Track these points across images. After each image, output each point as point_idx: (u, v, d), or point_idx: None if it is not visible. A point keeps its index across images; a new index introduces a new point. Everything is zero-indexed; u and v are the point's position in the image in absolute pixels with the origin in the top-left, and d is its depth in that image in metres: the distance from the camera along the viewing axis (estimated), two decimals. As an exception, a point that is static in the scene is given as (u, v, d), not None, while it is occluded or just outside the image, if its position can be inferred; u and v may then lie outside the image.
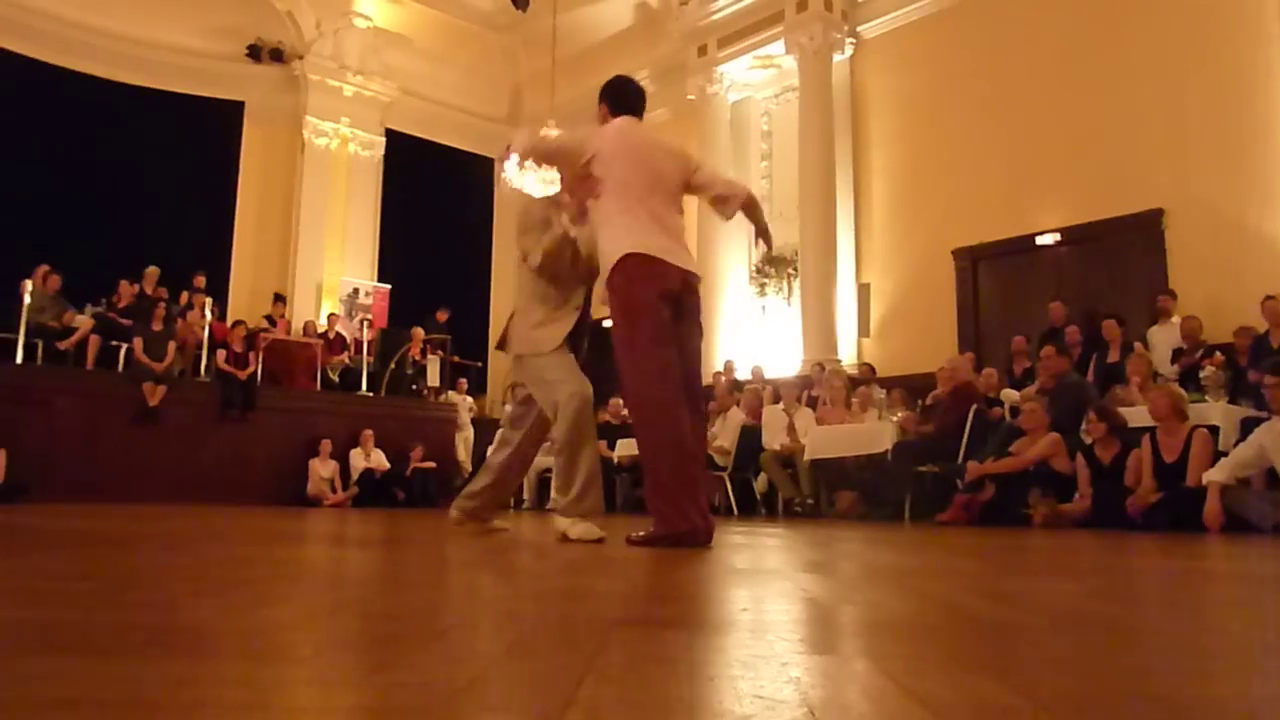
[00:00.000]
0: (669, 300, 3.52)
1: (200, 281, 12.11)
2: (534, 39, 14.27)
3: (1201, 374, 6.90)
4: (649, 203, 3.61)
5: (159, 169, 13.02)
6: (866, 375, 9.94)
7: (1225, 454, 5.65)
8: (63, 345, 10.08)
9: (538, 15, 13.49)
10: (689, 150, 4.21)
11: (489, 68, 16.12)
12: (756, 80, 12.67)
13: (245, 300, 13.49)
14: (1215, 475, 5.35)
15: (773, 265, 12.12)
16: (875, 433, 8.01)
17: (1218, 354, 7.31)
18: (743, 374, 11.13)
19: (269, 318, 12.48)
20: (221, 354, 10.63)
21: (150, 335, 10.14)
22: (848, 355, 11.06)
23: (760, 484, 9.00)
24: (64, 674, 0.96)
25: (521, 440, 4.18)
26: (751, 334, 12.04)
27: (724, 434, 9.08)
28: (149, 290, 11.36)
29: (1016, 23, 10.24)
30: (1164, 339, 8.21)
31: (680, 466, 3.44)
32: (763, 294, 12.23)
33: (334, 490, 10.64)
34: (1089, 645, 1.31)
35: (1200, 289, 8.50)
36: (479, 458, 11.37)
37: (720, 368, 11.51)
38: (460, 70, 15.80)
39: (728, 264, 12.28)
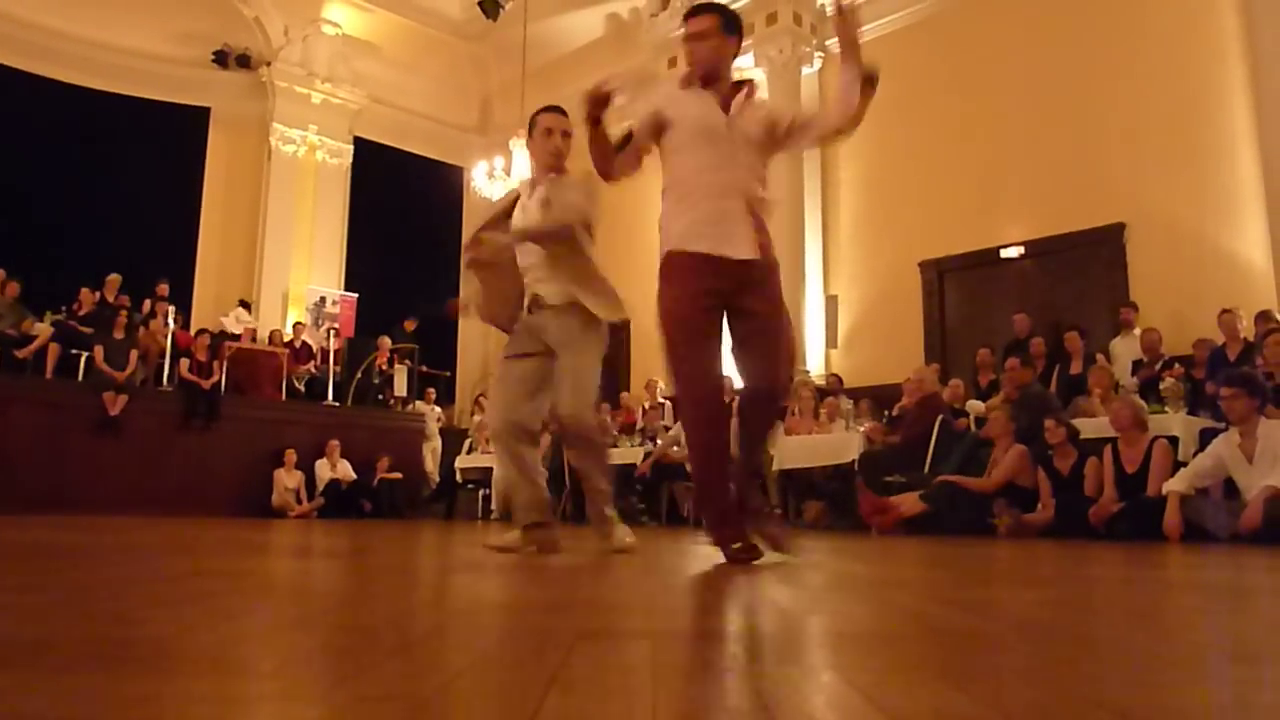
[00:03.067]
0: (718, 297, 3.18)
1: (163, 289, 11.96)
2: (504, 48, 14.25)
3: (1161, 385, 7.01)
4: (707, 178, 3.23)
5: (122, 175, 12.85)
6: (834, 386, 10.00)
7: (1185, 464, 5.74)
8: (21, 354, 9.91)
9: (508, 25, 13.47)
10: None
11: (459, 77, 16.09)
12: (726, 92, 12.74)
13: (210, 308, 13.34)
14: (1175, 485, 5.44)
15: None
16: (842, 443, 8.06)
17: (1177, 366, 7.43)
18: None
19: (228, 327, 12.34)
20: (185, 363, 10.50)
21: (111, 343, 9.99)
22: (816, 366, 11.12)
23: (729, 494, 9.01)
24: (21, 690, 0.94)
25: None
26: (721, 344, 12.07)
27: (693, 444, 9.08)
28: (110, 298, 11.20)
29: (982, 39, 10.39)
30: (1125, 351, 8.34)
31: (710, 478, 3.19)
32: (731, 305, 12.28)
33: (299, 501, 10.53)
34: (1051, 654, 1.32)
35: (1161, 302, 8.65)
36: (447, 468, 11.32)
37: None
38: (430, 79, 15.75)
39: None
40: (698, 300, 3.16)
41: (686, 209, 3.24)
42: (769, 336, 3.23)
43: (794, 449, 8.29)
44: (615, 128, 3.37)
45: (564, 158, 3.97)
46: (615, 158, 3.42)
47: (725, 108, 3.27)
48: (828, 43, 11.73)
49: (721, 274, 3.14)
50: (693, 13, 3.37)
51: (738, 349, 3.27)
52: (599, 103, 3.19)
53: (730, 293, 3.18)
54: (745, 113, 3.28)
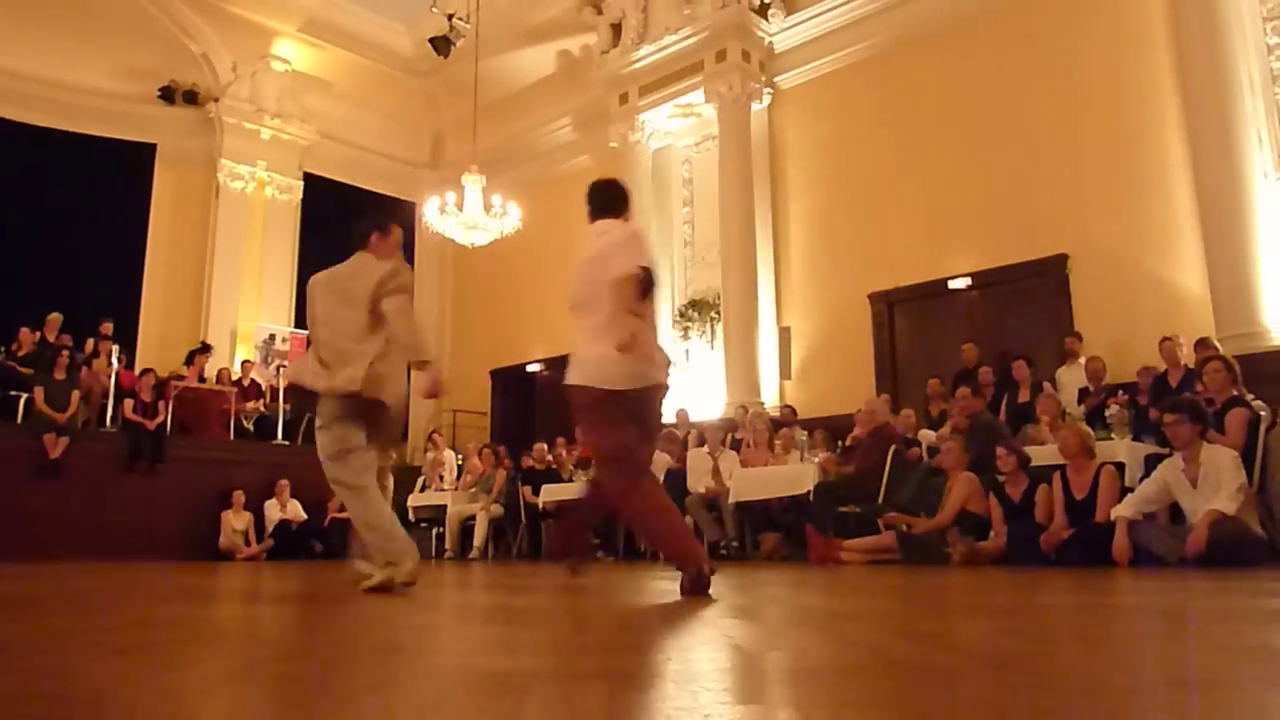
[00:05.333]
0: None
1: (107, 328, 11.70)
2: (456, 85, 14.28)
3: (1107, 413, 7.14)
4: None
5: (65, 212, 12.59)
6: (788, 417, 10.05)
7: (1132, 490, 5.84)
8: (-43, 396, 9.62)
9: (459, 61, 13.50)
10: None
11: (410, 113, 16.07)
12: (677, 128, 12.87)
13: (155, 347, 13.06)
14: (1122, 511, 5.53)
15: (696, 309, 12.24)
16: (798, 474, 8.08)
17: (1121, 393, 7.58)
18: (667, 417, 11.16)
19: (190, 363, 12.07)
20: (129, 403, 10.26)
21: (52, 384, 9.74)
22: (770, 397, 11.18)
23: (685, 527, 8.98)
24: (-55, 754, 0.90)
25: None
26: (676, 377, 12.09)
27: (649, 478, 9.06)
28: (51, 338, 10.92)
29: (926, 76, 10.63)
30: (1071, 379, 8.49)
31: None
32: (686, 338, 12.32)
33: (248, 543, 10.31)
34: (1006, 685, 1.33)
35: (1104, 330, 8.84)
36: (400, 506, 11.16)
37: (644, 411, 11.51)
38: (381, 115, 15.71)
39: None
40: None
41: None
42: None
43: (750, 481, 8.30)
44: None
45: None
46: None
47: None
48: (776, 79, 11.92)
49: None
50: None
51: None
52: None
53: None
54: None
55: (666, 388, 3.91)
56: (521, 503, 9.97)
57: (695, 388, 11.72)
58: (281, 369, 12.20)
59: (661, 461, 9.14)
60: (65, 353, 10.25)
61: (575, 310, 3.86)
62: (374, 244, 4.19)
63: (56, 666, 1.57)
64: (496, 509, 10.08)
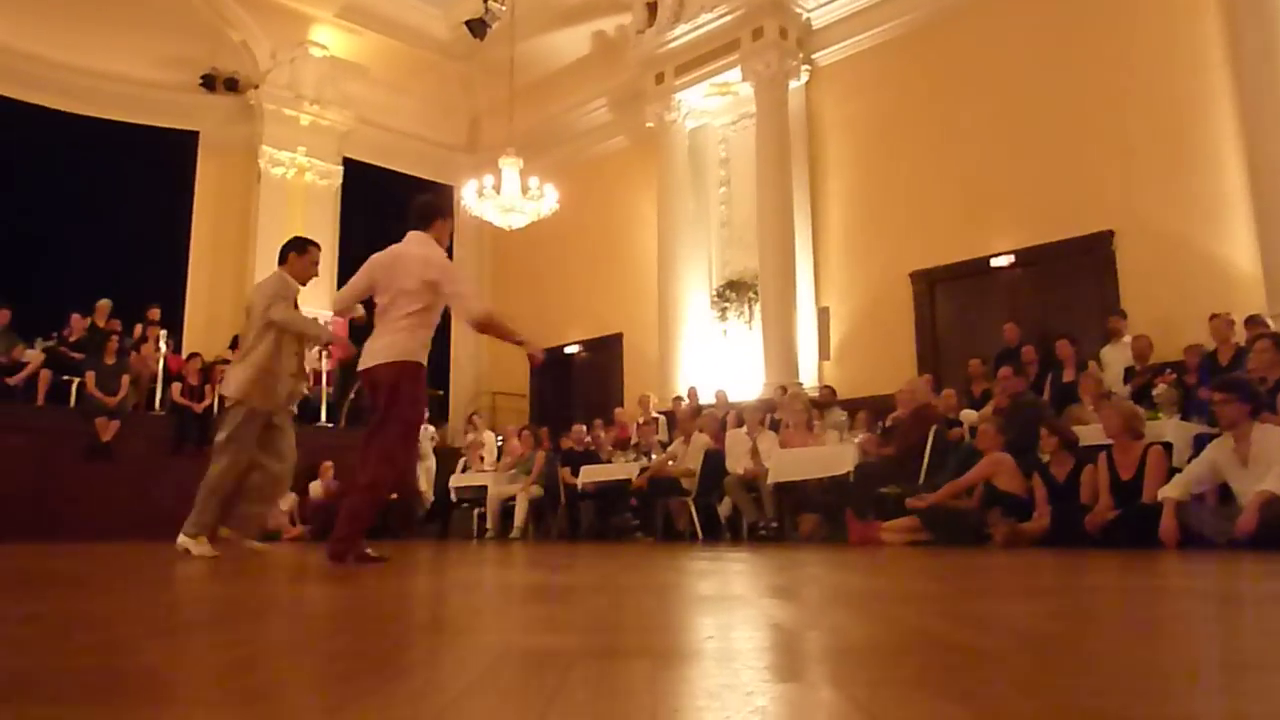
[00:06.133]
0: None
1: (154, 314, 11.92)
2: (492, 67, 14.29)
3: (1154, 392, 7.02)
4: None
5: (111, 200, 12.81)
6: (827, 398, 10.00)
7: (1179, 470, 5.74)
8: (12, 381, 9.86)
9: (495, 44, 13.52)
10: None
11: (447, 96, 16.12)
12: (714, 107, 12.79)
13: (201, 333, 13.29)
14: (1170, 491, 5.43)
15: (733, 290, 12.20)
16: (837, 455, 8.04)
17: (1169, 372, 7.45)
18: (706, 398, 11.16)
19: (234, 347, 12.25)
20: (177, 387, 10.45)
21: (103, 369, 9.94)
22: (809, 378, 11.12)
23: (724, 508, 8.99)
24: (8, 725, 0.93)
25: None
26: (714, 358, 12.08)
27: (688, 458, 9.08)
28: (101, 323, 11.16)
29: (968, 50, 10.46)
30: (1116, 358, 8.36)
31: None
32: (724, 318, 12.29)
33: (293, 524, 10.48)
34: (1050, 667, 1.32)
35: (1150, 308, 8.68)
36: (441, 487, 11.29)
37: (683, 392, 11.52)
38: (418, 99, 15.78)
39: (689, 288, 12.33)
40: None
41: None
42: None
43: (788, 462, 8.27)
44: None
45: None
46: None
47: None
48: (814, 56, 11.79)
49: None
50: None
51: None
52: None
53: None
54: None
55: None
56: (561, 484, 10.03)
57: (734, 368, 11.70)
58: (325, 352, 12.34)
59: (700, 442, 9.15)
60: (115, 337, 10.47)
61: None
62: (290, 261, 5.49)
63: (109, 643, 1.61)
64: (536, 490, 10.15)
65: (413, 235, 4.77)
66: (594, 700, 1.07)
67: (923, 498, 6.86)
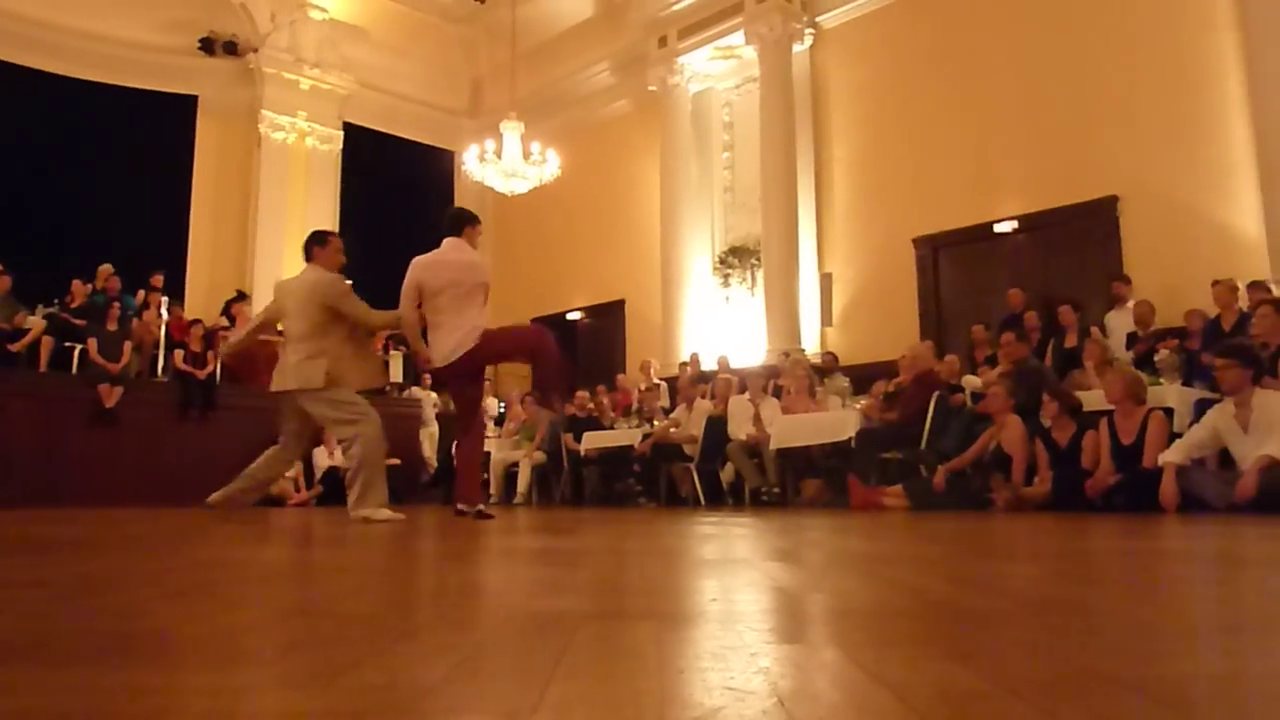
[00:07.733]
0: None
1: (158, 280, 11.90)
2: (493, 31, 14.18)
3: (1156, 357, 7.02)
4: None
5: (111, 165, 12.76)
6: (830, 364, 10.00)
7: (1180, 435, 5.76)
8: (14, 347, 9.87)
9: (497, 7, 13.40)
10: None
11: (448, 60, 15.99)
12: (717, 71, 12.68)
13: (203, 298, 13.29)
14: (1171, 456, 5.45)
15: (736, 255, 12.16)
16: (839, 421, 8.06)
17: (1171, 338, 7.44)
18: (708, 364, 11.17)
19: (227, 314, 12.27)
20: (179, 353, 10.46)
21: (105, 335, 9.95)
22: (811, 344, 11.12)
23: (727, 474, 9.03)
24: (19, 685, 0.94)
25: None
26: (716, 324, 12.08)
27: (691, 424, 9.10)
28: (100, 285, 11.14)
29: (973, 14, 10.34)
30: (1120, 324, 8.35)
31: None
32: (726, 284, 12.26)
33: (298, 489, 10.53)
34: (1053, 628, 1.33)
35: (1154, 274, 8.66)
36: (444, 454, 11.33)
37: (686, 358, 11.52)
38: (419, 63, 15.65)
39: (692, 254, 12.30)
40: None
41: None
42: None
43: (791, 427, 8.29)
44: None
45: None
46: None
47: None
48: (819, 19, 11.67)
49: None
50: None
51: None
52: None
53: None
54: None
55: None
56: (564, 449, 10.07)
57: (736, 334, 11.69)
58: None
59: (703, 408, 9.17)
60: (117, 304, 10.46)
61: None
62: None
63: (119, 606, 1.62)
64: (539, 456, 10.18)
65: (451, 242, 5.80)
66: (600, 660, 1.08)
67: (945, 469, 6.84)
